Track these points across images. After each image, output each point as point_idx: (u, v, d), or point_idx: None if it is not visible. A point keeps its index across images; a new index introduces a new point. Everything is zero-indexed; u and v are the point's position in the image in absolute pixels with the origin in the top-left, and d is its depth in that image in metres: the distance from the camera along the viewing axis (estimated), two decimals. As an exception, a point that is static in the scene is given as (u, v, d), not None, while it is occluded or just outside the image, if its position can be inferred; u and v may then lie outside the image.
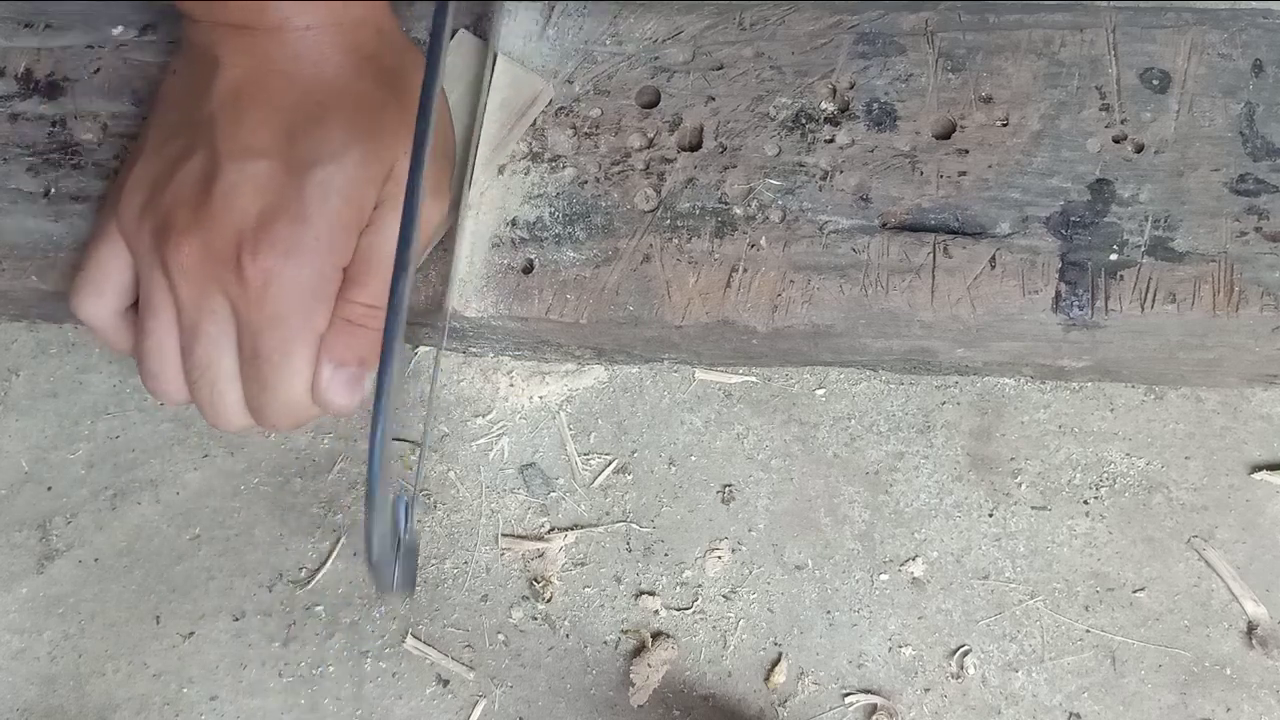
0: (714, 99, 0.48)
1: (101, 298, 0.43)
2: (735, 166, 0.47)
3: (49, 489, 0.52)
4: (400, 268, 0.38)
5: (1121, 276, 0.45)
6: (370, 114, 0.42)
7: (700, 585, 0.50)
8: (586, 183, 0.47)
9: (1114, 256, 0.45)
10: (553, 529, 0.51)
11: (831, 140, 0.47)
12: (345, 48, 0.42)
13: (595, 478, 0.51)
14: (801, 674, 0.49)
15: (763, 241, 0.46)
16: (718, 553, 0.50)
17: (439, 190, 0.44)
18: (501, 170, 0.48)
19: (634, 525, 0.51)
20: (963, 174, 0.47)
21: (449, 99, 0.48)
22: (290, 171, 0.40)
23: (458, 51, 0.48)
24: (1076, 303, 0.45)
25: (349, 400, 0.42)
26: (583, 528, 0.51)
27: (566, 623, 0.50)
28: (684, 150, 0.48)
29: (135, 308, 0.43)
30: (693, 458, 0.52)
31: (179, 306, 0.41)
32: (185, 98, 0.43)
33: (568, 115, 0.48)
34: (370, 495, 0.38)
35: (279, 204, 0.39)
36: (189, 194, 0.40)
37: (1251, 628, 0.48)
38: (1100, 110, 0.47)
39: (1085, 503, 0.50)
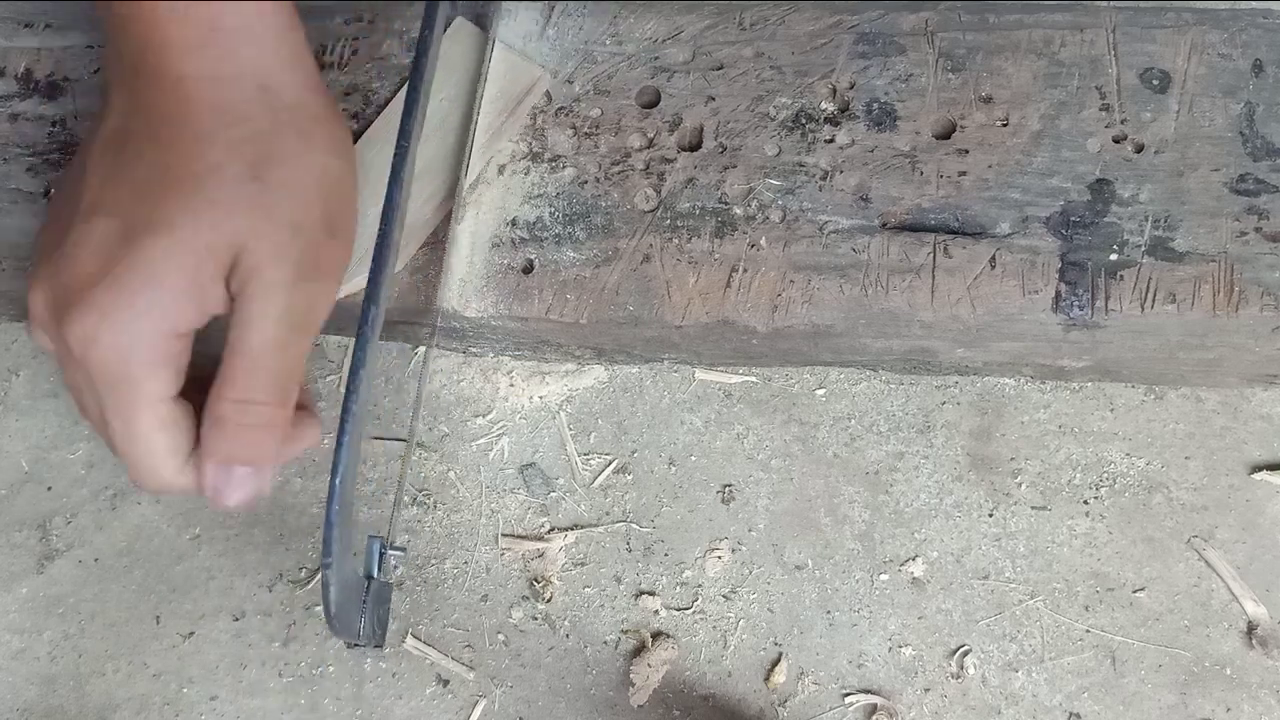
0: (714, 99, 0.48)
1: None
2: (735, 166, 0.47)
3: (49, 489, 0.52)
4: (360, 345, 0.38)
5: (1121, 276, 0.45)
6: (216, 185, 0.38)
7: (700, 585, 0.50)
8: (586, 183, 0.47)
9: (1114, 256, 0.45)
10: (553, 529, 0.51)
11: (831, 140, 0.47)
12: (211, 107, 0.39)
13: (595, 478, 0.51)
14: (801, 674, 0.49)
15: (763, 241, 0.46)
16: (718, 553, 0.50)
17: (315, 267, 0.40)
18: (502, 170, 0.48)
19: (634, 525, 0.51)
20: (963, 174, 0.47)
21: (445, 88, 0.47)
22: (125, 235, 0.38)
23: (455, 40, 0.48)
24: (1076, 303, 0.45)
25: (238, 499, 0.40)
26: (583, 528, 0.51)
27: (566, 623, 0.50)
28: (684, 150, 0.48)
29: None
30: (693, 458, 0.52)
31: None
32: (86, 136, 0.42)
33: (568, 115, 0.48)
34: (327, 541, 0.37)
35: (104, 266, 0.37)
36: (49, 244, 0.39)
37: (1251, 628, 0.48)
38: (1100, 110, 0.47)
39: (1085, 503, 0.50)
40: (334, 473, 0.39)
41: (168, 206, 0.38)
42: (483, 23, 0.49)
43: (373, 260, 0.41)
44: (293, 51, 0.40)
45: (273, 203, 0.39)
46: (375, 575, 0.43)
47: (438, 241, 0.47)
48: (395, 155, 0.41)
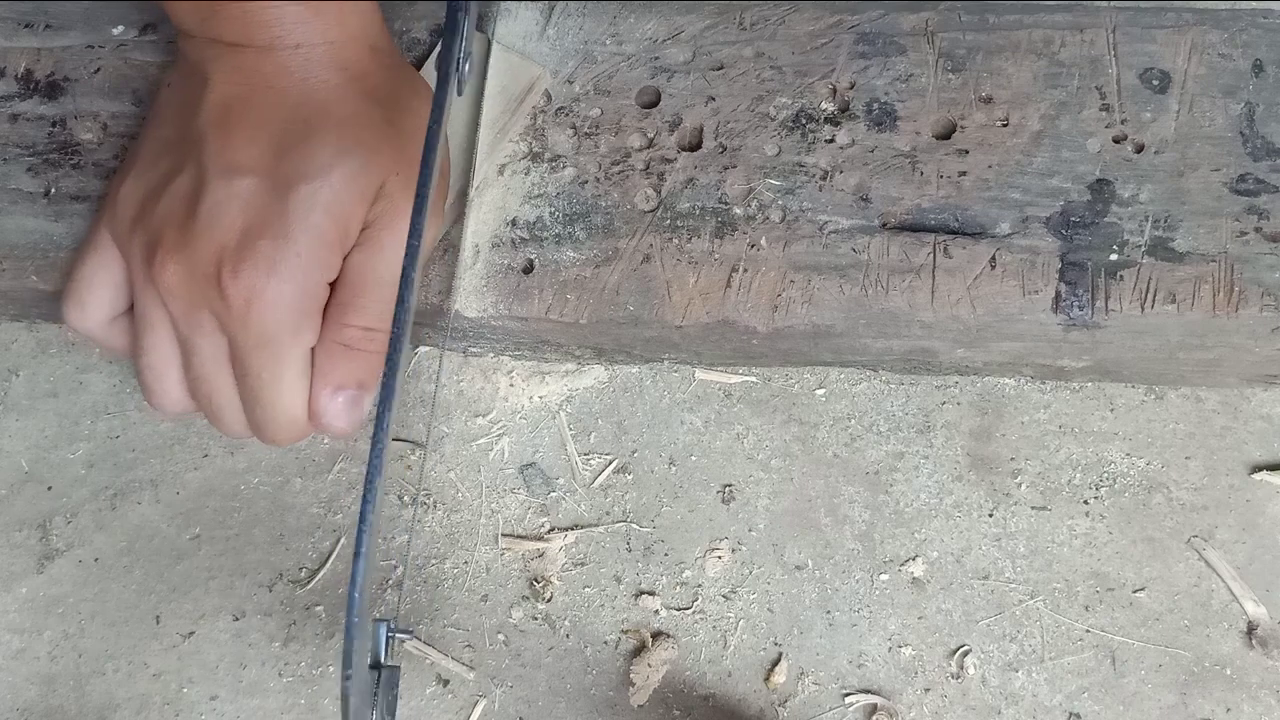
0: (714, 99, 0.48)
1: (85, 309, 0.43)
2: (735, 166, 0.47)
3: (49, 489, 0.52)
4: (398, 333, 0.38)
5: (1121, 276, 0.45)
6: (359, 131, 0.41)
7: (700, 585, 0.50)
8: (586, 183, 0.47)
9: (1114, 256, 0.45)
10: (553, 529, 0.51)
11: (831, 140, 0.47)
12: (336, 65, 0.42)
13: (595, 478, 0.51)
14: (801, 674, 0.49)
15: (763, 241, 0.46)
16: (718, 553, 0.50)
17: (435, 209, 0.44)
18: (502, 170, 0.48)
19: (634, 525, 0.51)
20: (963, 174, 0.47)
21: (503, 130, 0.48)
22: (275, 189, 0.40)
23: (510, 71, 0.48)
24: (1076, 303, 0.45)
25: (348, 423, 0.42)
26: (583, 528, 0.51)
27: (566, 623, 0.50)
28: (684, 150, 0.48)
29: (130, 313, 0.43)
30: (693, 458, 0.52)
31: (173, 321, 0.41)
32: (177, 113, 0.43)
33: (568, 115, 0.48)
34: (347, 654, 0.36)
35: (262, 221, 0.39)
36: (176, 211, 0.40)
37: (1251, 628, 0.48)
38: (1100, 110, 0.47)
39: (1085, 503, 0.50)
40: (352, 583, 0.37)
41: (319, 155, 0.40)
42: (481, 25, 0.49)
43: (392, 330, 0.41)
44: (383, 19, 0.44)
45: (406, 144, 0.42)
46: (383, 662, 0.41)
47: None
48: (420, 173, 0.41)
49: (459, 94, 0.45)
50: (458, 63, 0.43)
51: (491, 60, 0.48)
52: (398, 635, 0.43)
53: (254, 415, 0.42)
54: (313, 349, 0.42)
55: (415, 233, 0.39)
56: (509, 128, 0.48)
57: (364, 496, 0.38)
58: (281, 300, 0.39)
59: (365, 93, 0.42)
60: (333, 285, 0.42)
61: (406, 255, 0.39)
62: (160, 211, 0.40)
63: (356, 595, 0.37)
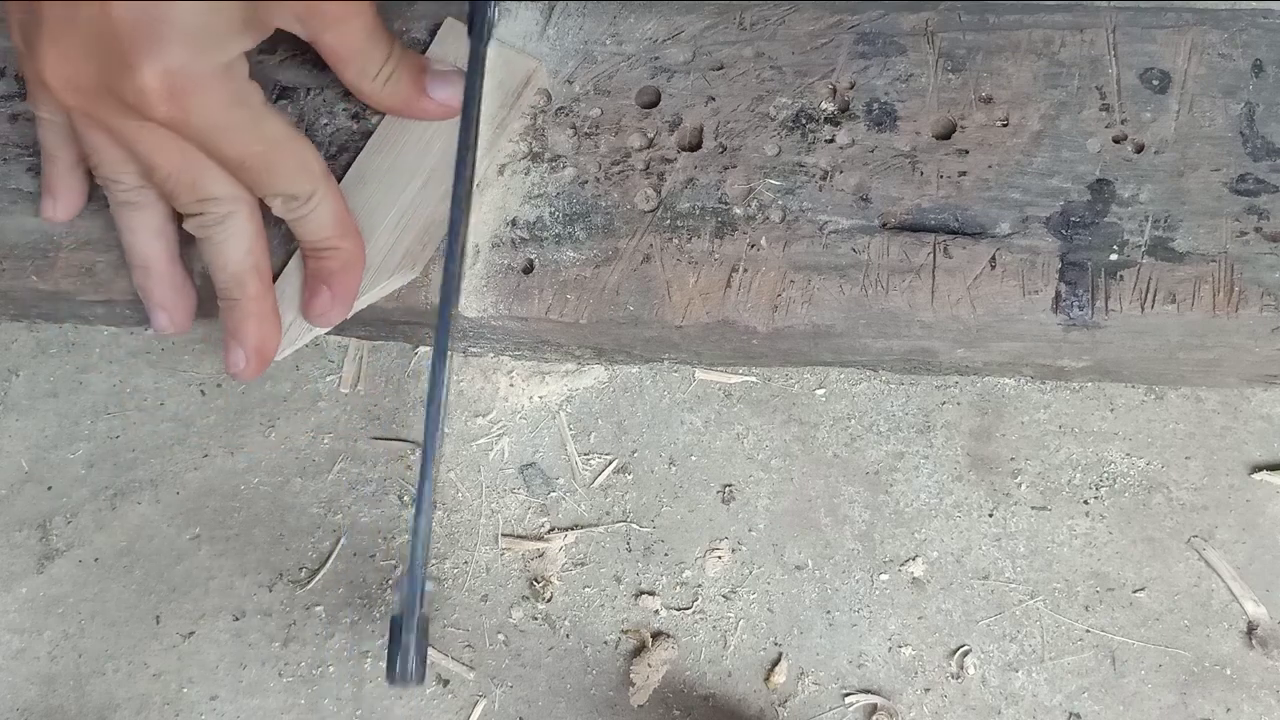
0: (714, 99, 0.48)
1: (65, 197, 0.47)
2: (735, 166, 0.47)
3: (49, 489, 0.52)
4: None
5: (1121, 276, 0.45)
6: None
7: (700, 585, 0.50)
8: (586, 182, 0.47)
9: (1114, 256, 0.45)
10: (553, 529, 0.51)
11: (831, 140, 0.47)
12: None
13: (595, 478, 0.51)
14: (801, 674, 0.49)
15: (763, 241, 0.46)
16: (718, 553, 0.50)
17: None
18: (502, 170, 0.48)
19: (634, 525, 0.51)
20: (963, 174, 0.47)
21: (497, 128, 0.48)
22: None
23: (446, 41, 0.48)
24: (1076, 303, 0.45)
25: (452, 92, 0.45)
26: (583, 528, 0.51)
27: (566, 622, 0.50)
28: (684, 150, 0.48)
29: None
30: (693, 458, 0.52)
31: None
32: None
33: (568, 115, 0.48)
34: (413, 574, 0.39)
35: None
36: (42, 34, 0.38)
37: (1251, 628, 0.48)
38: (1100, 110, 0.47)
39: (1085, 503, 0.50)
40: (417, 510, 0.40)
41: None
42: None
43: (440, 305, 0.42)
44: None
45: None
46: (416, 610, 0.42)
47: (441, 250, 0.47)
48: (456, 166, 0.43)
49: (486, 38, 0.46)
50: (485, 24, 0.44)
51: (488, 56, 0.48)
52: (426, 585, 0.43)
53: (252, 174, 0.42)
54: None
55: (454, 255, 0.41)
56: (507, 122, 0.48)
57: (420, 484, 0.40)
58: (214, 54, 0.38)
59: None
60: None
61: (444, 283, 0.40)
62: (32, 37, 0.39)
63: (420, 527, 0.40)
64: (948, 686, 0.48)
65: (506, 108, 0.47)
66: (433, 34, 0.49)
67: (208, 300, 0.49)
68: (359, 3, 0.42)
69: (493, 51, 0.48)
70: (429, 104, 0.45)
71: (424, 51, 0.49)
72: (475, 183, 0.47)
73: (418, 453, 0.52)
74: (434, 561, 0.51)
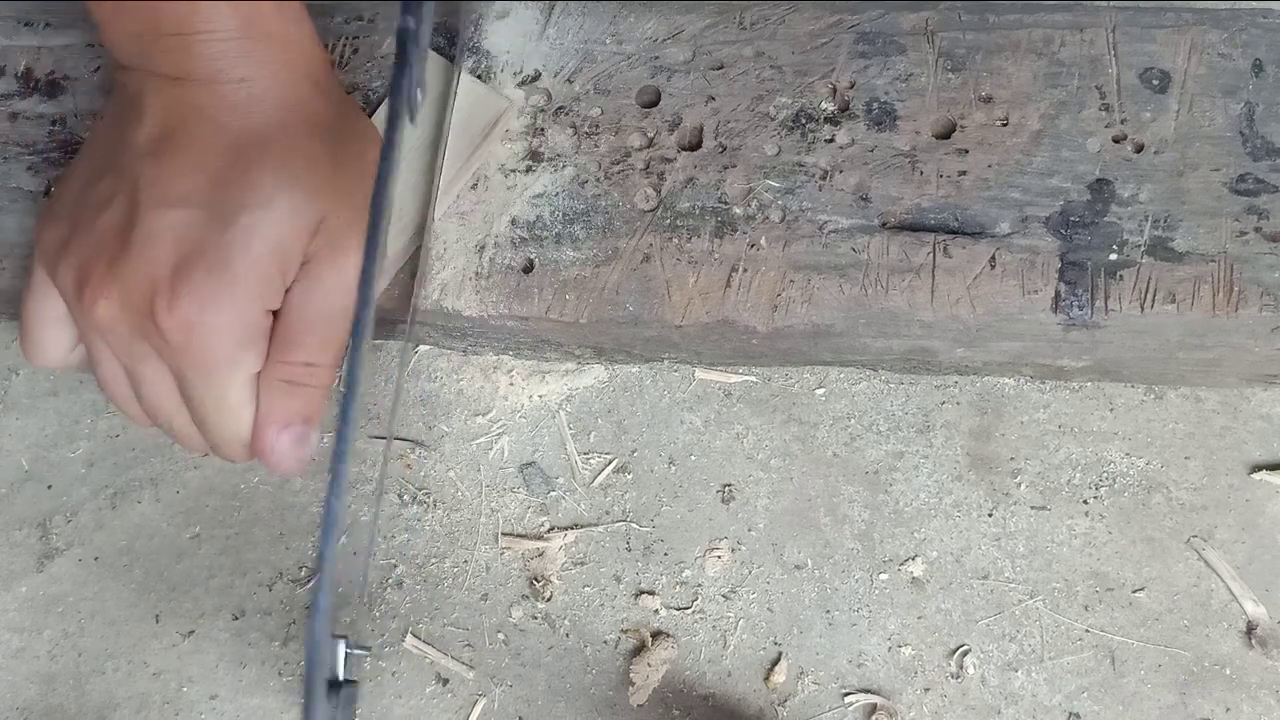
0: (714, 99, 0.48)
1: (44, 350, 0.43)
2: (735, 166, 0.47)
3: (49, 487, 0.52)
4: (352, 379, 0.36)
5: (1121, 276, 0.45)
6: (301, 164, 0.41)
7: (700, 585, 0.50)
8: (586, 182, 0.47)
9: (1114, 256, 0.45)
10: (553, 528, 0.51)
11: (831, 140, 0.47)
12: (278, 99, 0.41)
13: (595, 477, 0.52)
14: (801, 673, 0.49)
15: (763, 241, 0.46)
16: (717, 552, 0.50)
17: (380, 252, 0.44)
18: (502, 169, 0.48)
19: (634, 525, 0.51)
20: (963, 174, 0.47)
21: (469, 163, 0.47)
22: (212, 220, 0.39)
23: (477, 103, 0.48)
24: (1076, 303, 0.45)
25: (295, 460, 0.42)
26: (583, 527, 0.51)
27: (566, 622, 0.50)
28: (684, 150, 0.48)
29: None
30: (693, 457, 0.52)
31: (114, 354, 0.41)
32: (109, 145, 0.42)
33: (568, 115, 0.48)
34: (311, 654, 0.37)
35: (199, 252, 0.38)
36: (106, 244, 0.39)
37: (1251, 628, 0.48)
38: (1100, 110, 0.47)
39: (1085, 502, 0.50)
40: (315, 608, 0.37)
41: (260, 187, 0.39)
42: (448, 53, 0.48)
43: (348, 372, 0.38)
44: (326, 54, 0.43)
45: (346, 180, 0.41)
46: (341, 677, 0.41)
47: (449, 244, 0.47)
48: (373, 203, 0.38)
49: (411, 123, 0.43)
50: (409, 94, 0.40)
51: (459, 91, 0.48)
52: (355, 651, 0.43)
53: (206, 438, 0.42)
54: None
55: (367, 279, 0.37)
56: (472, 161, 0.47)
57: (325, 514, 0.37)
58: (219, 331, 0.39)
59: (307, 127, 0.41)
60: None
61: (359, 297, 0.37)
62: (88, 245, 0.39)
63: (320, 621, 0.37)
64: (947, 686, 0.48)
65: (472, 147, 0.47)
66: (433, 33, 0.49)
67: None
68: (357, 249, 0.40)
69: (465, 88, 0.47)
70: (266, 439, 0.42)
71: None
72: (431, 221, 0.46)
73: (417, 451, 0.52)
74: (434, 560, 0.51)
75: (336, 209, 0.41)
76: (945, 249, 0.46)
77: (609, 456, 0.52)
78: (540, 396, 0.53)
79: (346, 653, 0.41)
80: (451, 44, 0.49)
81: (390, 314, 0.48)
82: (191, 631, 0.50)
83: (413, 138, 0.47)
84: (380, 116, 0.48)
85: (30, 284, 0.43)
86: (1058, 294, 0.45)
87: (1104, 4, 0.48)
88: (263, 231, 0.39)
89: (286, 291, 0.41)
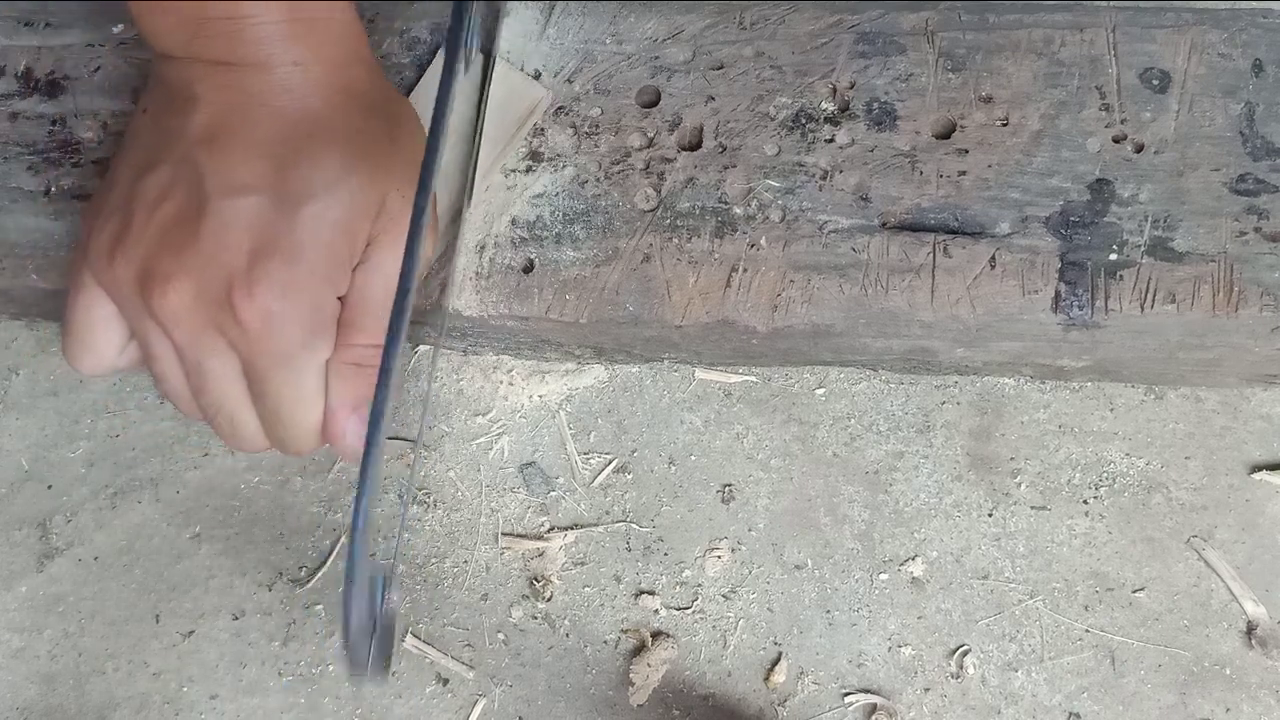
0: (714, 99, 0.48)
1: (94, 353, 0.42)
2: (735, 166, 0.47)
3: (49, 487, 0.52)
4: (393, 337, 0.37)
5: (1121, 276, 0.45)
6: (362, 146, 0.41)
7: (700, 585, 0.50)
8: (586, 182, 0.47)
9: (1114, 256, 0.45)
10: (553, 528, 0.51)
11: (831, 140, 0.47)
12: (333, 81, 0.41)
13: (595, 477, 0.52)
14: (801, 674, 0.49)
15: (763, 241, 0.46)
16: (717, 552, 0.50)
17: (430, 226, 0.43)
18: (502, 169, 0.48)
19: (634, 525, 0.51)
20: (963, 174, 0.47)
21: (505, 148, 0.47)
22: (281, 206, 0.39)
23: (512, 92, 0.48)
24: (1076, 303, 0.45)
25: (356, 440, 0.42)
26: (583, 527, 0.51)
27: (566, 622, 0.50)
28: (684, 150, 0.48)
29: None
30: (693, 457, 0.52)
31: (178, 350, 0.40)
32: (158, 136, 0.41)
33: (567, 115, 0.48)
34: (351, 568, 0.37)
35: (271, 240, 0.38)
36: (172, 237, 0.38)
37: (1251, 628, 0.48)
38: (1100, 110, 0.47)
39: (1085, 502, 0.50)
40: (359, 490, 0.37)
41: (324, 171, 0.39)
42: (489, 38, 0.49)
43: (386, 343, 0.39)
44: (366, 35, 0.43)
45: (405, 159, 0.41)
46: (379, 609, 0.41)
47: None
48: (420, 185, 0.40)
49: (465, 71, 0.43)
50: (465, 53, 0.41)
51: (494, 79, 0.48)
52: (390, 580, 0.42)
53: (274, 431, 0.42)
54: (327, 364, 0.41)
55: (411, 252, 0.38)
56: (509, 148, 0.47)
57: (369, 435, 0.37)
58: (297, 318, 0.39)
59: (362, 108, 0.41)
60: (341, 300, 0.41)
61: (403, 272, 0.38)
62: (151, 239, 0.39)
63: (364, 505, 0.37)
64: (947, 686, 0.48)
65: (509, 134, 0.47)
66: (434, 33, 0.49)
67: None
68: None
69: (501, 73, 0.48)
70: (337, 424, 0.42)
71: (426, 52, 0.49)
72: (469, 204, 0.47)
73: (417, 451, 0.52)
74: (434, 560, 0.51)
75: (397, 189, 0.41)
76: (945, 249, 0.46)
77: (609, 456, 0.52)
78: (540, 396, 0.53)
79: (385, 582, 0.41)
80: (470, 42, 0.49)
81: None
82: (191, 631, 0.50)
83: (455, 120, 0.47)
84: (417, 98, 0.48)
85: (76, 285, 0.41)
86: (1058, 294, 0.45)
87: (1104, 4, 0.48)
88: (331, 216, 0.39)
89: (352, 273, 0.41)
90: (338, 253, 0.39)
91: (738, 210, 0.47)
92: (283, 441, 0.42)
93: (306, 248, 0.39)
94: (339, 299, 0.41)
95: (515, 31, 0.49)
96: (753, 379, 0.53)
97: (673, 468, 0.51)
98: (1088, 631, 0.49)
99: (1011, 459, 0.51)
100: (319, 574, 0.51)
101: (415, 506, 0.51)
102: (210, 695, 0.49)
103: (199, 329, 0.39)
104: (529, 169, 0.48)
